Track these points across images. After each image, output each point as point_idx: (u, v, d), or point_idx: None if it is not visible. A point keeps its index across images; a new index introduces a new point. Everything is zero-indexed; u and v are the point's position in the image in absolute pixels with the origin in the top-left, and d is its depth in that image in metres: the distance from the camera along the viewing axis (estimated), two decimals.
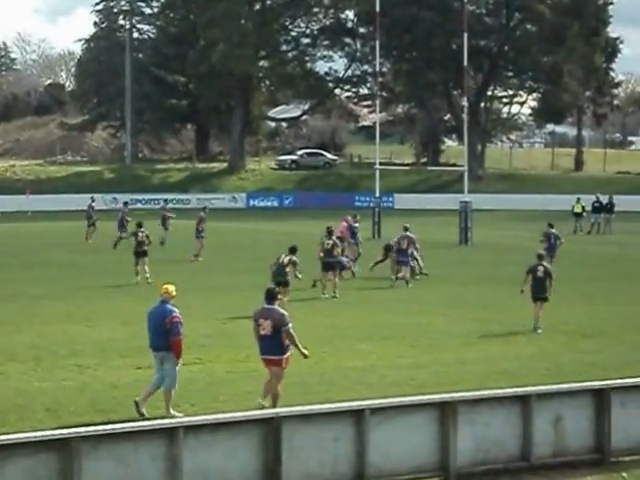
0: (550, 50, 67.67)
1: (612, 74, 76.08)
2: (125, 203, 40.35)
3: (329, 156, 72.35)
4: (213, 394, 13.99)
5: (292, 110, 79.95)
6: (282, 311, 12.97)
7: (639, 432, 11.64)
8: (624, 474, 10.97)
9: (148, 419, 11.95)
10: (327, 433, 10.42)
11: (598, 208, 45.66)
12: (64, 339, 18.20)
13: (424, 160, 73.76)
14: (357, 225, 31.05)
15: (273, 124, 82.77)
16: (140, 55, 74.98)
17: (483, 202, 52.55)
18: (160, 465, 9.72)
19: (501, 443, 11.09)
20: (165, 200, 43.95)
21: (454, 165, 66.09)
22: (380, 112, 53.90)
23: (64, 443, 9.39)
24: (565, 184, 64.32)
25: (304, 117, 78.55)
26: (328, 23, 72.40)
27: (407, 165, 71.07)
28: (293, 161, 71.04)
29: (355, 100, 78.29)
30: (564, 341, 18.46)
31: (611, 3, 71.70)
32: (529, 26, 69.91)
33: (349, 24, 72.99)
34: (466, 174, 43.46)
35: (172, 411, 12.70)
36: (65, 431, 9.57)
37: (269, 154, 76.88)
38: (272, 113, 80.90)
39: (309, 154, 72.04)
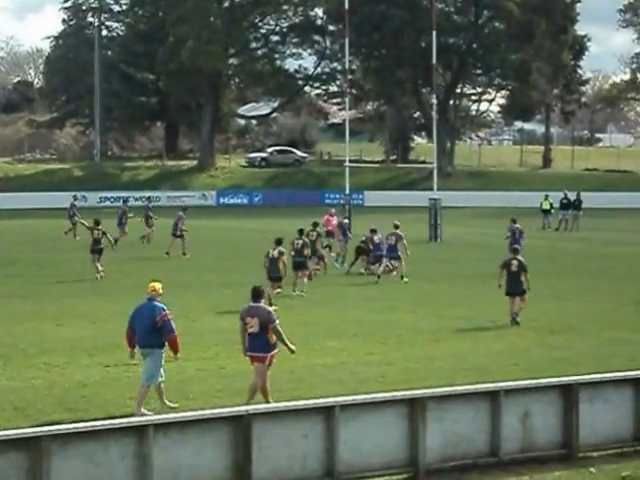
0: (518, 48, 68.13)
1: (580, 72, 76.79)
2: (125, 201, 40.24)
3: (299, 154, 72.35)
4: (183, 392, 13.97)
5: (262, 108, 79.88)
6: (269, 309, 13.20)
7: (607, 427, 11.74)
8: (592, 469, 11.07)
9: (117, 417, 11.90)
10: (297, 430, 10.43)
11: (566, 205, 46.01)
12: (33, 338, 18.08)
13: (394, 157, 73.97)
14: (346, 221, 32.24)
15: (243, 122, 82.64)
16: (109, 52, 74.58)
17: (452, 199, 52.79)
18: (130, 463, 9.68)
19: (470, 439, 11.15)
20: (148, 198, 43.74)
21: (423, 162, 66.37)
22: (350, 110, 53.97)
23: (33, 442, 9.32)
24: (533, 181, 64.80)
25: (274, 115, 78.51)
26: (297, 21, 72.41)
27: (377, 162, 71.23)
28: (263, 159, 70.96)
29: (325, 97, 78.40)
30: (533, 337, 18.58)
31: (578, 1, 72.33)
32: (497, 24, 70.35)
33: (318, 22, 73.07)
34: (435, 171, 43.63)
35: (142, 409, 12.66)
36: (34, 430, 9.52)
37: (239, 152, 76.76)
38: (242, 111, 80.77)
39: (279, 152, 72.00)
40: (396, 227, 27.74)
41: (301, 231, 25.23)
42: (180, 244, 32.93)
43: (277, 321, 12.91)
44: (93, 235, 27.65)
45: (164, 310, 12.88)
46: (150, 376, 12.87)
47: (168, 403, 12.90)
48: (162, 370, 13.04)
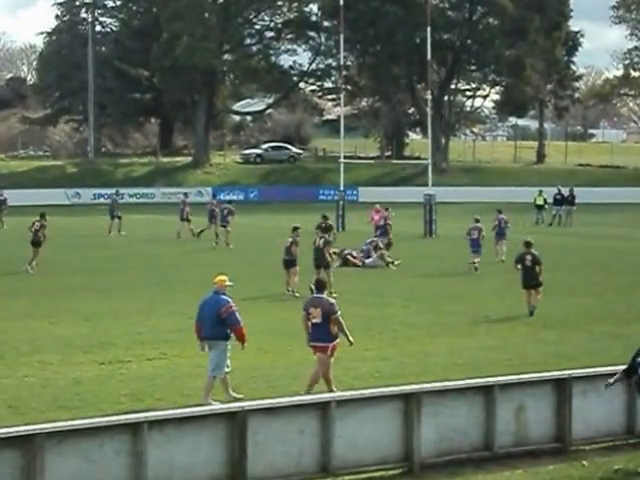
0: (512, 44, 68.17)
1: (573, 67, 76.83)
2: (185, 194, 40.99)
3: (294, 150, 72.31)
4: (178, 388, 13.98)
5: (256, 104, 79.80)
6: (331, 300, 13.63)
7: (600, 421, 11.80)
8: (584, 462, 11.12)
9: (112, 414, 11.92)
10: (292, 426, 10.46)
11: (559, 200, 46.08)
12: (27, 335, 18.07)
13: (388, 153, 73.97)
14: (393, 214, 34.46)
15: (238, 118, 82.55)
16: (103, 48, 74.35)
17: (447, 195, 52.83)
18: (125, 460, 9.69)
19: (464, 433, 11.20)
20: (185, 194, 43.74)
21: (418, 158, 66.37)
22: (344, 106, 53.98)
23: (27, 440, 9.32)
24: (527, 176, 64.86)
25: (269, 111, 78.42)
26: (292, 17, 72.31)
27: (371, 158, 71.22)
28: (258, 155, 70.91)
29: (319, 94, 78.26)
30: (526, 332, 18.65)
31: None
32: (492, 20, 70.35)
33: (313, 18, 72.97)
34: (430, 167, 43.64)
35: (210, 399, 12.80)
36: (28, 428, 9.51)
37: (234, 148, 76.68)
38: (236, 107, 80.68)
39: (274, 148, 71.94)
40: (477, 221, 28.99)
41: (294, 229, 25.21)
42: (187, 227, 36.70)
43: (339, 312, 13.36)
44: (32, 227, 28.22)
45: (229, 302, 13.12)
46: (216, 367, 13.07)
47: (233, 394, 13.05)
48: (228, 361, 13.27)
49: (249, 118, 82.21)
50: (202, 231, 37.18)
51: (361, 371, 15.07)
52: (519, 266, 20.21)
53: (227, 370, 13.24)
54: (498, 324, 19.36)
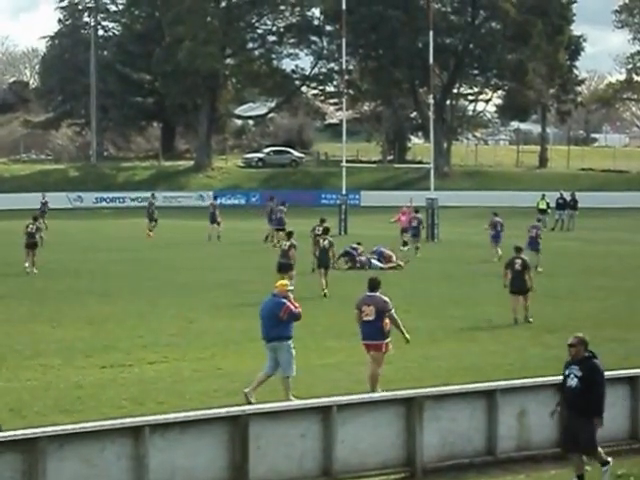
0: (515, 48, 68.16)
1: (576, 72, 76.72)
2: (272, 198, 41.00)
3: (296, 154, 72.29)
4: (179, 392, 13.96)
5: (259, 108, 79.78)
6: (385, 298, 13.85)
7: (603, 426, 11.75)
8: (587, 467, 11.08)
9: (113, 418, 11.89)
10: (294, 430, 10.43)
11: (562, 205, 46.05)
12: (28, 339, 18.05)
13: (390, 158, 73.94)
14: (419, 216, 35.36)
15: (240, 122, 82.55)
16: (105, 52, 74.44)
17: (449, 199, 52.82)
18: (126, 464, 9.66)
19: (466, 438, 11.17)
20: (215, 197, 43.95)
21: (420, 162, 66.29)
22: (347, 110, 54.00)
23: (29, 443, 9.30)
24: (530, 181, 64.82)
25: (271, 115, 78.42)
26: (294, 21, 72.33)
27: (374, 163, 71.21)
28: (260, 159, 70.88)
29: (322, 98, 78.28)
30: (528, 336, 18.60)
31: (575, 2, 72.33)
32: (494, 24, 70.37)
33: (315, 22, 72.98)
34: (432, 171, 43.64)
35: (291, 397, 12.98)
36: (30, 431, 9.48)
37: (236, 152, 76.67)
38: (239, 111, 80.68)
39: (276, 152, 71.92)
40: (496, 215, 31.30)
41: (289, 234, 25.23)
42: (217, 230, 37.43)
43: (393, 309, 13.59)
44: (27, 229, 28.33)
45: (285, 304, 13.38)
46: (288, 367, 13.33)
47: (292, 397, 13.13)
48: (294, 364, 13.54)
49: (251, 122, 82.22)
50: (267, 237, 36.83)
51: (362, 375, 15.03)
52: (508, 271, 19.94)
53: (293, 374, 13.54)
54: (500, 328, 19.32)
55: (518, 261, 19.84)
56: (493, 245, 31.56)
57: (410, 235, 34.24)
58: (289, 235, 24.83)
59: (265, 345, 13.61)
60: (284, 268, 23.37)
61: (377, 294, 13.81)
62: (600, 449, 10.40)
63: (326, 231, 25.86)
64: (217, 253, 34.78)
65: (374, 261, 29.64)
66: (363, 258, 29.69)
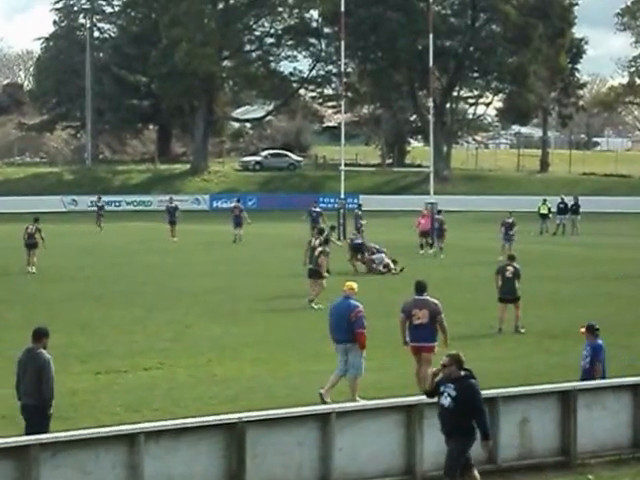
0: (515, 51, 68.03)
1: (577, 75, 76.61)
2: (238, 199, 42.23)
3: (294, 157, 72.12)
4: (175, 399, 13.79)
5: (256, 111, 79.65)
6: (436, 301, 14.07)
7: (605, 434, 11.61)
8: (590, 476, 10.93)
9: (108, 425, 11.70)
10: (292, 438, 10.29)
11: (563, 209, 45.89)
12: (21, 344, 17.73)
13: (390, 161, 73.83)
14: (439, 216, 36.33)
15: (237, 125, 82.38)
16: (101, 54, 74.24)
17: (449, 203, 52.52)
18: (121, 472, 9.54)
19: None
20: (238, 199, 43.94)
21: (420, 166, 66.23)
22: (345, 113, 53.84)
23: (22, 451, 9.19)
24: (531, 185, 64.70)
25: (268, 118, 78.26)
26: (292, 23, 72.21)
27: (372, 166, 71.07)
28: (257, 162, 70.71)
29: (320, 100, 78.15)
30: (531, 342, 18.44)
31: (576, 4, 72.28)
32: (494, 27, 70.24)
33: (314, 24, 72.84)
34: (432, 175, 43.44)
35: (357, 398, 13.11)
36: (23, 438, 9.39)
37: (233, 155, 76.55)
38: (236, 114, 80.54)
39: (273, 155, 71.76)
40: (510, 214, 33.31)
41: (321, 231, 25.42)
42: (240, 233, 37.96)
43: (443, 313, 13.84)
44: (27, 230, 28.86)
45: (358, 307, 13.63)
46: (357, 368, 13.53)
47: (358, 398, 13.22)
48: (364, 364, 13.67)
49: (248, 125, 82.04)
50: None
51: (362, 382, 14.83)
52: (499, 277, 19.69)
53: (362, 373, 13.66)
54: (503, 334, 19.14)
55: (510, 268, 19.61)
56: (504, 244, 33.25)
57: (436, 236, 35.47)
58: (320, 232, 24.72)
59: (335, 346, 13.77)
60: (313, 275, 22.98)
61: (427, 297, 13.93)
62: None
63: (325, 240, 25.48)
64: (215, 257, 34.58)
65: (380, 254, 29.52)
66: (371, 245, 29.80)
